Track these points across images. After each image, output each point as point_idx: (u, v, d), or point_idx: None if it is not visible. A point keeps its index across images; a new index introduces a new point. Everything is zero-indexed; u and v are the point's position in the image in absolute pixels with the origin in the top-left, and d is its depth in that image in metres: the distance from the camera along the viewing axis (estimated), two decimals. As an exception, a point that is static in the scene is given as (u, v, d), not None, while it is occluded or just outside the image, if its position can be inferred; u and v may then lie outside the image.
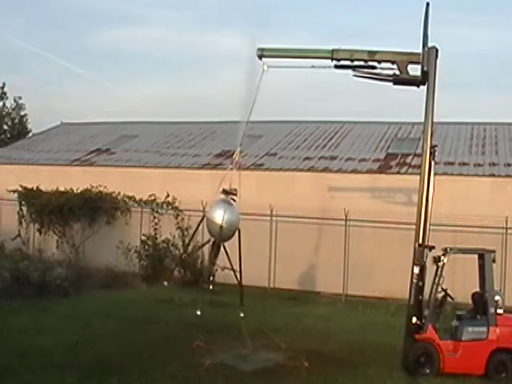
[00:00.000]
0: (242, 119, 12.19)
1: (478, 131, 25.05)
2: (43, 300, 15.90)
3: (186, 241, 21.79)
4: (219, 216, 11.73)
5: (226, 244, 12.14)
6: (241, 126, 12.23)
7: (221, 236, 11.80)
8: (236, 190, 12.00)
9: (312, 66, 12.03)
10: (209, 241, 12.33)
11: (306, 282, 20.39)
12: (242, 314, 12.20)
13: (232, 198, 12.02)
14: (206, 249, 21.69)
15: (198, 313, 11.76)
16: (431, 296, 11.59)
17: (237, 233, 12.04)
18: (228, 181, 12.00)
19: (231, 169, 12.17)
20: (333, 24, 74.99)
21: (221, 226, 11.63)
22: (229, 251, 12.04)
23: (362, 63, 11.94)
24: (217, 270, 12.65)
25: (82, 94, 71.59)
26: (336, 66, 12.01)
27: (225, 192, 12.03)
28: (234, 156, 12.29)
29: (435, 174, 11.66)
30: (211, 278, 12.91)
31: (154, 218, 23.05)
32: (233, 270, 12.08)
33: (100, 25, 77.76)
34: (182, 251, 21.50)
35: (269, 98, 12.06)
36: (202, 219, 12.47)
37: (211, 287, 12.41)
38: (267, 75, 12.01)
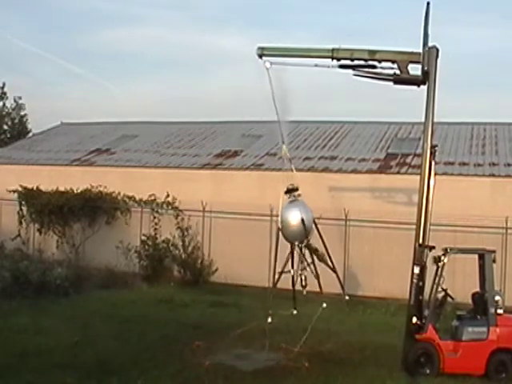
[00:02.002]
0: (280, 118, 12.14)
1: (478, 131, 25.04)
2: (43, 300, 15.90)
3: (187, 241, 21.82)
4: (298, 216, 11.62)
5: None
6: (281, 125, 12.21)
7: (306, 235, 11.67)
8: (297, 186, 11.88)
9: (315, 65, 12.02)
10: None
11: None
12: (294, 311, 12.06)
13: (298, 194, 11.93)
14: (206, 249, 21.92)
15: (269, 320, 11.83)
16: (431, 296, 11.58)
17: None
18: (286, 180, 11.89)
19: (287, 169, 12.08)
20: (333, 24, 75.09)
21: (302, 220, 11.56)
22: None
23: (362, 63, 11.93)
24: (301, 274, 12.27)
25: (82, 94, 71.74)
26: (339, 66, 11.99)
27: (289, 191, 11.91)
28: (283, 154, 12.18)
29: (435, 174, 11.66)
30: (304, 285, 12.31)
31: (154, 217, 23.04)
32: (334, 270, 12.13)
33: (100, 25, 77.87)
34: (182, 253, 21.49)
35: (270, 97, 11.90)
36: (279, 231, 12.15)
37: (324, 305, 12.14)
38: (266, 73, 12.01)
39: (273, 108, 11.86)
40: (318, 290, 12.73)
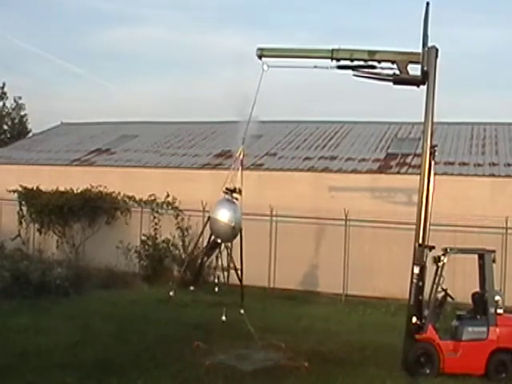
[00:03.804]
0: (244, 118, 12.18)
1: (478, 131, 25.05)
2: (43, 300, 15.90)
3: (187, 241, 21.82)
4: (226, 215, 11.69)
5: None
6: (242, 126, 12.23)
7: (231, 236, 11.75)
8: (240, 189, 11.96)
9: (315, 67, 12.02)
10: (217, 242, 12.13)
11: (305, 282, 20.39)
12: (242, 311, 12.17)
13: (235, 197, 11.98)
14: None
15: (224, 318, 11.77)
16: (431, 296, 11.59)
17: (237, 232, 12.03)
18: (230, 180, 11.96)
19: (234, 168, 12.12)
20: (333, 24, 75.07)
21: (233, 227, 11.64)
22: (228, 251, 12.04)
23: (361, 63, 11.93)
24: (214, 268, 12.57)
25: (82, 94, 71.69)
26: (339, 67, 11.99)
27: (228, 191, 11.98)
28: (237, 155, 12.24)
29: (435, 174, 11.66)
30: (218, 280, 12.52)
31: (154, 218, 23.04)
32: (235, 269, 12.07)
33: (100, 25, 77.85)
34: (186, 255, 21.48)
35: (271, 97, 11.93)
36: (208, 220, 12.32)
37: (216, 289, 12.16)
38: (267, 75, 12.02)
39: (254, 107, 11.87)
40: (317, 290, 12.67)
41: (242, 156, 12.15)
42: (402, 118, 26.40)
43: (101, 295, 17.57)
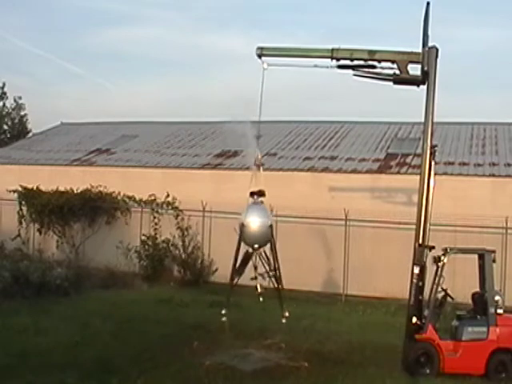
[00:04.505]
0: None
1: (478, 131, 25.05)
2: (43, 300, 15.90)
3: (187, 241, 21.82)
4: (261, 217, 11.54)
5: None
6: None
7: (269, 237, 11.60)
8: (263, 191, 11.84)
9: (315, 66, 12.01)
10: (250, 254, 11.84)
11: (306, 282, 20.37)
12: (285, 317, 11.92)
13: (260, 200, 11.88)
14: (206, 249, 21.91)
15: (224, 319, 11.63)
16: (431, 296, 11.58)
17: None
18: (253, 183, 11.82)
19: (254, 170, 12.01)
20: (333, 24, 75.08)
21: (271, 225, 11.56)
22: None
23: (361, 63, 11.93)
24: (256, 277, 11.92)
25: (82, 94, 71.75)
26: (339, 66, 11.99)
27: (254, 194, 11.85)
28: (256, 156, 12.13)
29: (435, 174, 11.66)
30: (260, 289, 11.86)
31: (154, 218, 23.04)
32: (275, 276, 11.89)
33: (100, 25, 77.86)
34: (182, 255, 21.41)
35: (271, 97, 11.90)
36: (242, 227, 11.78)
37: (261, 299, 11.80)
38: (267, 75, 12.01)
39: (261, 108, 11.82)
40: (317, 290, 12.59)
41: (259, 157, 12.10)
42: (402, 118, 26.47)
43: (101, 295, 17.57)
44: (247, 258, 11.90)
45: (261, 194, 11.81)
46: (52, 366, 10.22)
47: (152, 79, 74.38)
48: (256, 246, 11.66)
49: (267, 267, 11.89)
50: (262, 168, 12.07)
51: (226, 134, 27.82)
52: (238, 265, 12.00)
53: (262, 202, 11.88)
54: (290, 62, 12.26)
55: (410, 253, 11.62)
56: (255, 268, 11.86)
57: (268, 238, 11.78)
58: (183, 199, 22.44)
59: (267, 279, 11.97)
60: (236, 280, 12.00)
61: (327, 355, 11.86)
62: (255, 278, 11.80)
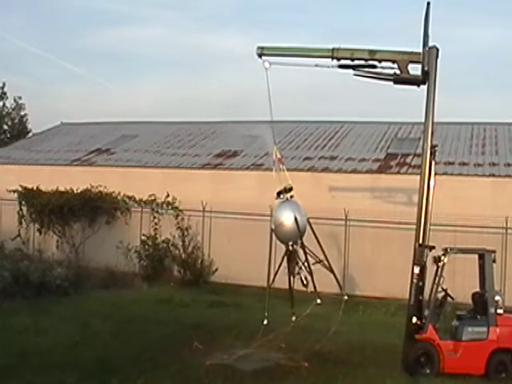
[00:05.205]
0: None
1: (478, 131, 25.05)
2: (43, 300, 15.91)
3: (187, 241, 21.82)
4: (295, 211, 11.52)
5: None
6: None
7: (299, 235, 11.56)
8: (288, 186, 11.83)
9: (316, 65, 12.00)
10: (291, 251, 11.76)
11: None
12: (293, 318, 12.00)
13: (290, 196, 11.88)
14: (206, 249, 21.91)
15: (265, 322, 11.65)
16: (431, 296, 11.58)
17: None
18: (278, 182, 11.82)
19: (276, 170, 12.02)
20: (333, 24, 75.09)
21: (308, 220, 11.61)
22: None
23: (362, 62, 11.92)
24: (306, 278, 11.98)
25: (82, 94, 71.74)
26: (340, 66, 11.98)
27: (281, 193, 11.85)
28: (274, 156, 12.15)
29: (435, 174, 11.65)
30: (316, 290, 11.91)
31: (154, 218, 23.04)
32: (331, 270, 11.92)
33: (100, 25, 77.86)
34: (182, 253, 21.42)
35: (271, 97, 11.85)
36: (272, 232, 11.83)
37: (319, 301, 11.78)
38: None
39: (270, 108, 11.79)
40: (317, 290, 12.56)
41: (278, 155, 12.10)
42: (402, 118, 26.49)
43: (101, 295, 17.57)
44: (292, 255, 11.84)
45: (286, 190, 11.81)
46: (52, 366, 10.22)
47: (152, 79, 74.45)
48: (291, 243, 11.67)
49: (313, 259, 11.90)
50: (283, 164, 12.05)
51: (226, 133, 27.92)
52: (286, 267, 12.02)
53: (291, 197, 11.81)
54: (290, 62, 12.24)
55: (410, 253, 11.62)
56: (297, 263, 11.90)
57: (305, 228, 11.81)
58: (183, 199, 22.44)
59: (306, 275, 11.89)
60: (292, 278, 11.97)
61: (327, 355, 11.85)
62: (305, 279, 11.87)
